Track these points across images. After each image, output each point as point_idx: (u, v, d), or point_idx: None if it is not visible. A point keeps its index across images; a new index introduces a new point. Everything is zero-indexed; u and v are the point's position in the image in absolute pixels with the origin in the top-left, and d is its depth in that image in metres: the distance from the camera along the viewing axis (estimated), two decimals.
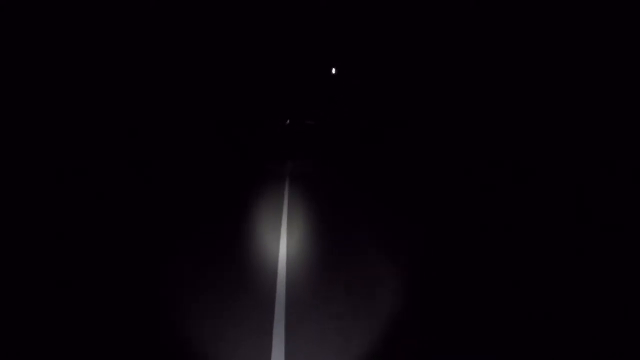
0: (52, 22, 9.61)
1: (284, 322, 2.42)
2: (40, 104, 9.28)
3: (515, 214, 5.54)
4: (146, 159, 12.36)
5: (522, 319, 2.53)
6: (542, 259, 3.68)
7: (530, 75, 8.85)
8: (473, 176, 8.73)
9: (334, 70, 28.43)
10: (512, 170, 8.28)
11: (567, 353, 2.14)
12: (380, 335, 2.30)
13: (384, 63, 18.63)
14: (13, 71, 8.64)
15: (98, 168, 9.77)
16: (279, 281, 3.14)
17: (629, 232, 4.33)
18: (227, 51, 20.41)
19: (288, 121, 36.51)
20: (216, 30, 18.73)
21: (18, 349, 2.24)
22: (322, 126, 30.99)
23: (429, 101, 14.07)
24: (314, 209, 6.03)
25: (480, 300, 2.83)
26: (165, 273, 3.40)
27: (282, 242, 4.28)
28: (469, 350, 2.18)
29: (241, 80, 23.48)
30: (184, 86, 16.43)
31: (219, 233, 4.68)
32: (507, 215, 5.46)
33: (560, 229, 4.67)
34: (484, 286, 3.09)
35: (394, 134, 16.69)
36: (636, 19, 6.26)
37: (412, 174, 9.98)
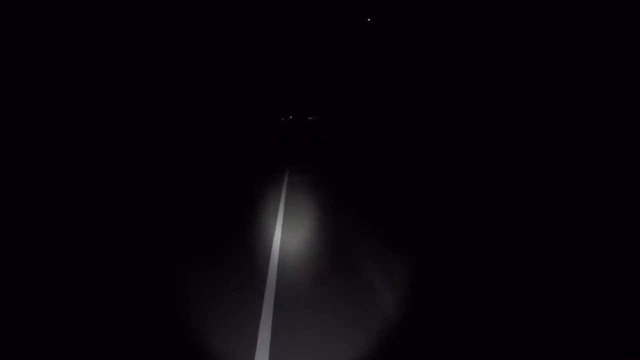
0: (52, 22, 9.60)
1: None
2: (40, 103, 9.27)
3: (514, 213, 5.53)
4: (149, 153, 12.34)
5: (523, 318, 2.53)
6: (544, 259, 3.68)
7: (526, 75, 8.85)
8: (473, 174, 8.72)
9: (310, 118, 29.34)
10: (512, 169, 8.28)
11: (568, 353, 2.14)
12: None
13: (383, 63, 18.59)
14: (13, 71, 8.63)
15: (99, 165, 9.76)
16: None
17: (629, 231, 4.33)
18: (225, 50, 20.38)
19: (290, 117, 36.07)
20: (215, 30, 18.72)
21: (25, 339, 2.24)
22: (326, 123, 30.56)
23: (428, 100, 14.06)
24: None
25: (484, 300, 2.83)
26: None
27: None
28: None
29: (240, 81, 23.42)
30: (184, 83, 16.43)
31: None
32: (507, 215, 5.46)
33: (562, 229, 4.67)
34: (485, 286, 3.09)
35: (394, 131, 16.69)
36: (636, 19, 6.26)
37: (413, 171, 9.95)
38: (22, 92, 8.84)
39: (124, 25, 12.04)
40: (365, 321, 2.47)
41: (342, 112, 25.35)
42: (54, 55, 9.74)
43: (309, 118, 35.38)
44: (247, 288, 3.01)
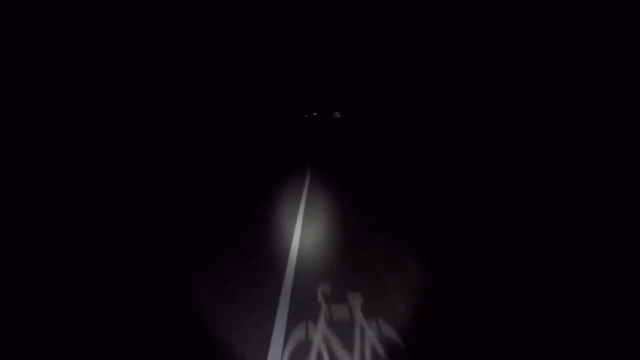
0: (52, 22, 9.52)
1: None
2: (39, 103, 9.21)
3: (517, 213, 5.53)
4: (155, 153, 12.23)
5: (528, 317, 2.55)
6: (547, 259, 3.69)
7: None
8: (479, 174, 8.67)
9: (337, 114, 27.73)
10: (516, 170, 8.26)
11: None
12: None
13: (391, 62, 18.35)
14: (13, 71, 8.56)
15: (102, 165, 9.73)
16: None
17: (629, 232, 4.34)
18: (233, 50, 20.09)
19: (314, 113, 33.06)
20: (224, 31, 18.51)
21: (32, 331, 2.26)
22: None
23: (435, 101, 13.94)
24: None
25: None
26: None
27: None
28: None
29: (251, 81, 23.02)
30: (191, 83, 16.23)
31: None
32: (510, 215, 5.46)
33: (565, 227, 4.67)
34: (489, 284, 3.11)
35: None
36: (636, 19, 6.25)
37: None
38: (21, 92, 8.77)
39: (144, 22, 11.72)
40: None
41: (370, 109, 23.48)
42: (54, 55, 9.66)
43: (336, 115, 32.09)
44: None
